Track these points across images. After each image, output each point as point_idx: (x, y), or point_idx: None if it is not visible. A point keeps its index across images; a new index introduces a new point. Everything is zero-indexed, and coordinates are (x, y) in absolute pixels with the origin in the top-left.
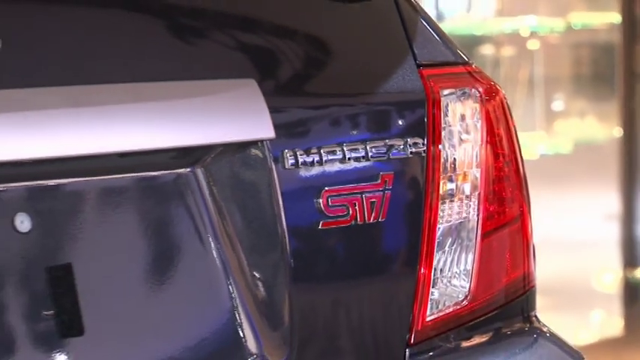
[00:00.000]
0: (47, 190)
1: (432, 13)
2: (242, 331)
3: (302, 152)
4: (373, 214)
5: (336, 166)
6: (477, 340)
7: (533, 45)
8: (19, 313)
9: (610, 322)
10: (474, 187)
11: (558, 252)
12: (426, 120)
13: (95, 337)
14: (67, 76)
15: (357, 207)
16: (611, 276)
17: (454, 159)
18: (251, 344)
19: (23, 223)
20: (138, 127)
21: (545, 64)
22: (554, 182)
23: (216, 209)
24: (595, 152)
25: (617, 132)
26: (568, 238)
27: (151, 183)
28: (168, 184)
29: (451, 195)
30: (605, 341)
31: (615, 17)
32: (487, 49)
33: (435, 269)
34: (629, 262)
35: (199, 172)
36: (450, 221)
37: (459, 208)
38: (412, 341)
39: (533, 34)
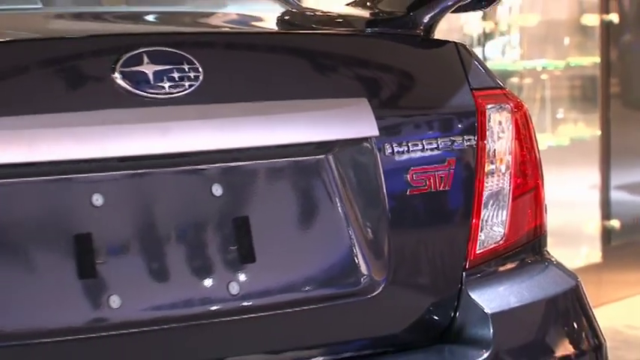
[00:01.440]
0: (233, 168)
1: (480, 55)
2: (357, 260)
3: (396, 145)
4: (442, 185)
5: (418, 154)
6: (508, 266)
7: (544, 77)
8: (214, 247)
9: (592, 254)
10: (507, 167)
11: (559, 209)
12: (476, 124)
13: (263, 264)
14: (250, 95)
15: (432, 180)
16: (593, 224)
17: (494, 149)
18: (363, 268)
19: (217, 190)
20: (294, 129)
21: (551, 89)
22: (557, 164)
23: (341, 181)
24: (584, 145)
25: (598, 132)
26: (566, 200)
27: (300, 164)
28: (311, 165)
29: (492, 172)
30: (589, 266)
31: (596, 59)
32: (515, 79)
33: (482, 220)
34: (605, 215)
35: (330, 157)
36: (492, 189)
37: (497, 181)
38: (467, 267)
39: (544, 70)
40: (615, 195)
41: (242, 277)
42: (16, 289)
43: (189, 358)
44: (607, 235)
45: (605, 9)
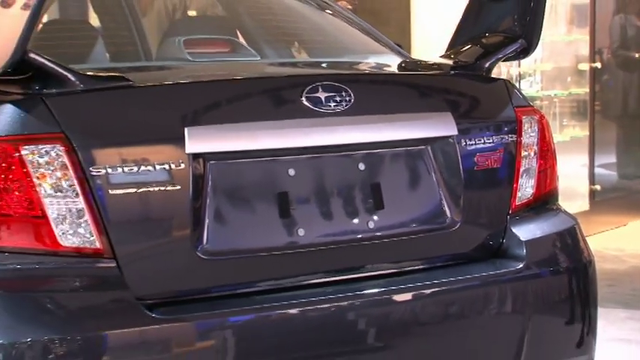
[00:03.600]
0: (371, 153)
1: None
2: (444, 208)
3: (468, 140)
4: (496, 164)
5: (481, 146)
6: (535, 212)
7: (555, 100)
8: (359, 200)
9: (583, 205)
10: (535, 153)
11: (564, 178)
12: (516, 127)
13: (389, 210)
14: (381, 110)
15: (489, 161)
16: (584, 187)
17: (527, 143)
18: (448, 213)
19: (362, 166)
20: (407, 130)
21: (559, 107)
22: (562, 152)
23: (435, 161)
24: (579, 141)
25: (587, 133)
26: (568, 172)
27: (410, 151)
28: (417, 152)
29: (525, 156)
30: (581, 212)
31: (587, 90)
32: (538, 102)
33: (519, 185)
34: (592, 182)
35: (429, 147)
36: (525, 166)
37: (528, 161)
38: (510, 213)
39: (555, 96)
40: (597, 170)
41: (376, 217)
42: (247, 224)
43: (343, 266)
44: (592, 194)
45: (592, 59)
